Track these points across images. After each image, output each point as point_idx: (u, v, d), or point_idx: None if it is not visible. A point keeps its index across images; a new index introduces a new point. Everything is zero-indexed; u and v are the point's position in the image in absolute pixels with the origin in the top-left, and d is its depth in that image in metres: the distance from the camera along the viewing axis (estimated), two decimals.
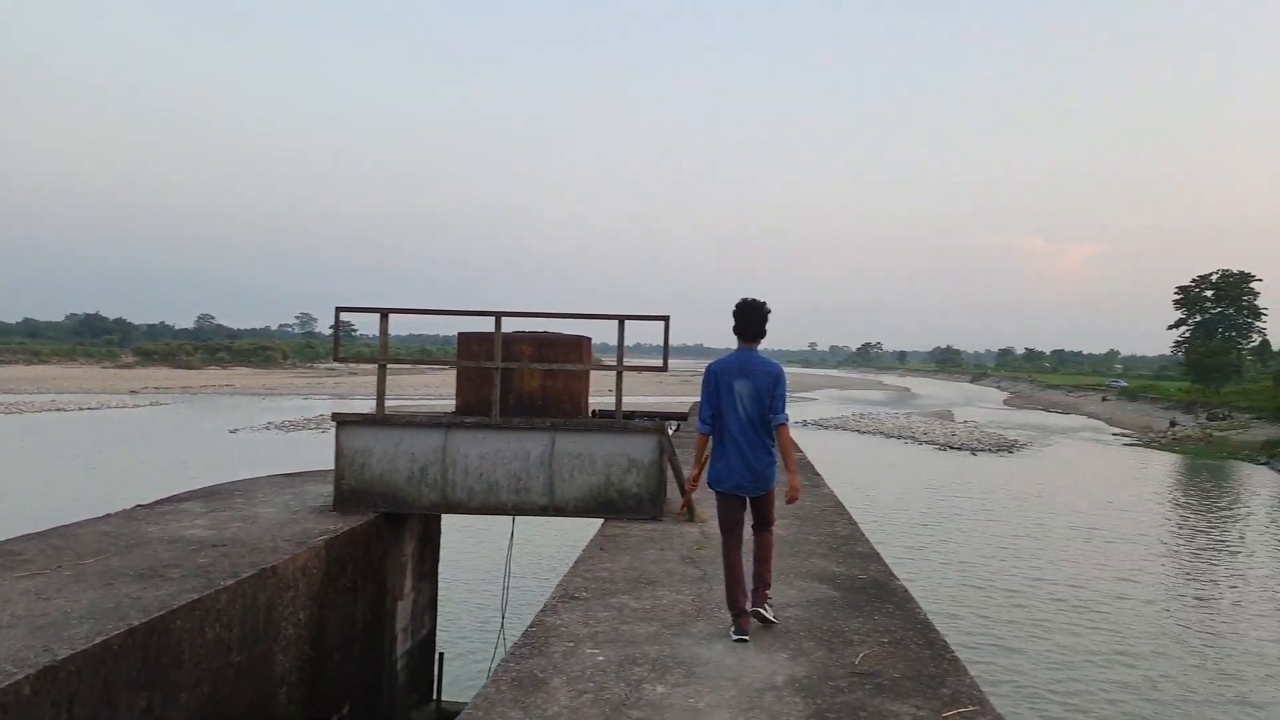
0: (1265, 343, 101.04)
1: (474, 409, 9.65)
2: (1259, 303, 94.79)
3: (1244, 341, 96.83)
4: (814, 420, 75.69)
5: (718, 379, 5.37)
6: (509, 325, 9.38)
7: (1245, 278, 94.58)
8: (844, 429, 70.21)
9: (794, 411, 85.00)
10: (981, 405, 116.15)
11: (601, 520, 8.83)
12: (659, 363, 9.02)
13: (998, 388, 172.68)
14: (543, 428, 9.09)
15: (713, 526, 7.99)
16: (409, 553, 9.91)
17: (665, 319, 8.74)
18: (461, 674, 12.84)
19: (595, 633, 5.15)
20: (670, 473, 9.30)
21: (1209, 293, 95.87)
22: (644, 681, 4.38)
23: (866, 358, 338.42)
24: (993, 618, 20.89)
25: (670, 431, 10.31)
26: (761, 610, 5.28)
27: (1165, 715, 15.58)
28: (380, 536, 9.05)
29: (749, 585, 5.35)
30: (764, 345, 5.56)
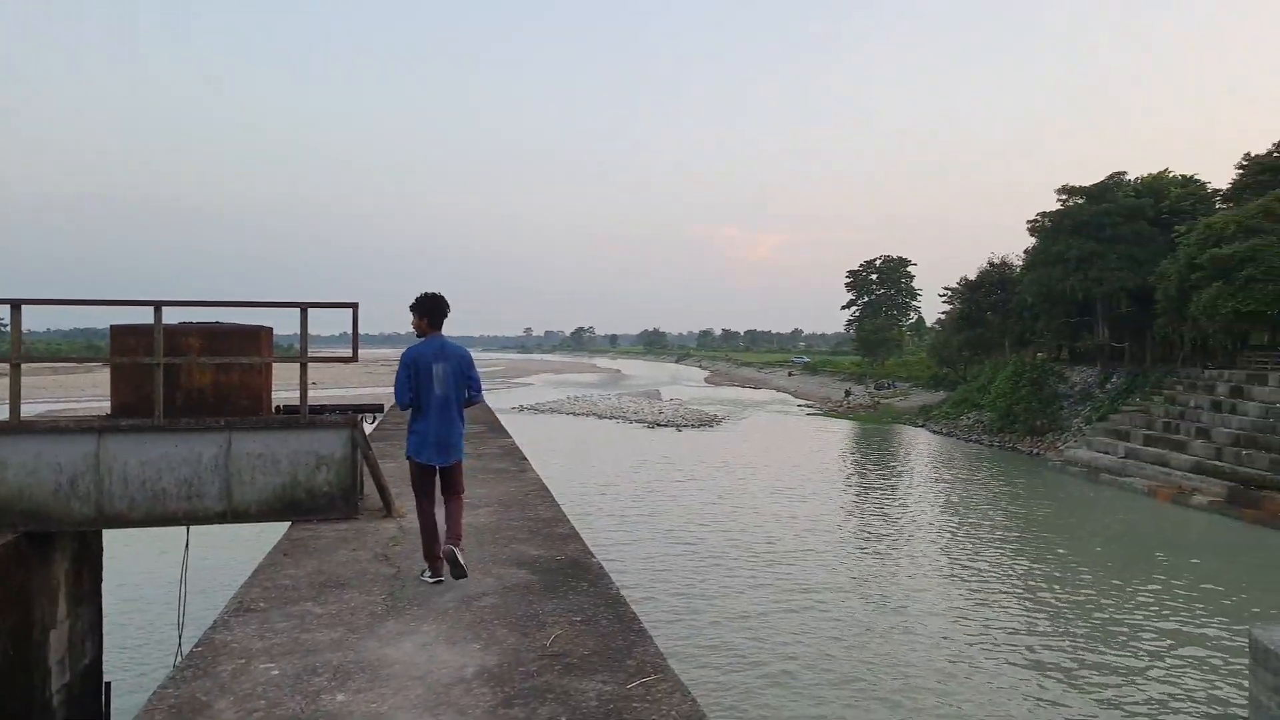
0: (921, 319, 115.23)
1: (135, 409, 8.61)
2: (915, 284, 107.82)
3: (903, 319, 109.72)
4: (530, 405, 76.30)
5: (417, 363, 5.99)
6: (182, 315, 8.45)
7: (903, 262, 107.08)
8: (559, 412, 71.38)
9: (511, 398, 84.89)
10: (686, 384, 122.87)
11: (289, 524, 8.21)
12: (348, 352, 8.50)
13: (700, 367, 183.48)
14: (216, 428, 8.27)
15: (411, 521, 7.68)
16: (61, 575, 8.70)
17: (353, 306, 8.25)
18: (136, 704, 11.52)
19: (271, 645, 4.73)
20: (366, 468, 8.82)
21: (874, 276, 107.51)
22: (323, 691, 4.06)
23: (580, 342, 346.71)
24: (694, 582, 22.12)
25: (369, 424, 9.79)
26: (455, 550, 5.80)
27: (843, 655, 17.26)
28: (21, 560, 7.85)
29: (443, 541, 5.96)
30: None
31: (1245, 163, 50.02)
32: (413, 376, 5.98)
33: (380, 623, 5.11)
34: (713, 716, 14.49)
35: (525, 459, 12.12)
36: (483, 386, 6.34)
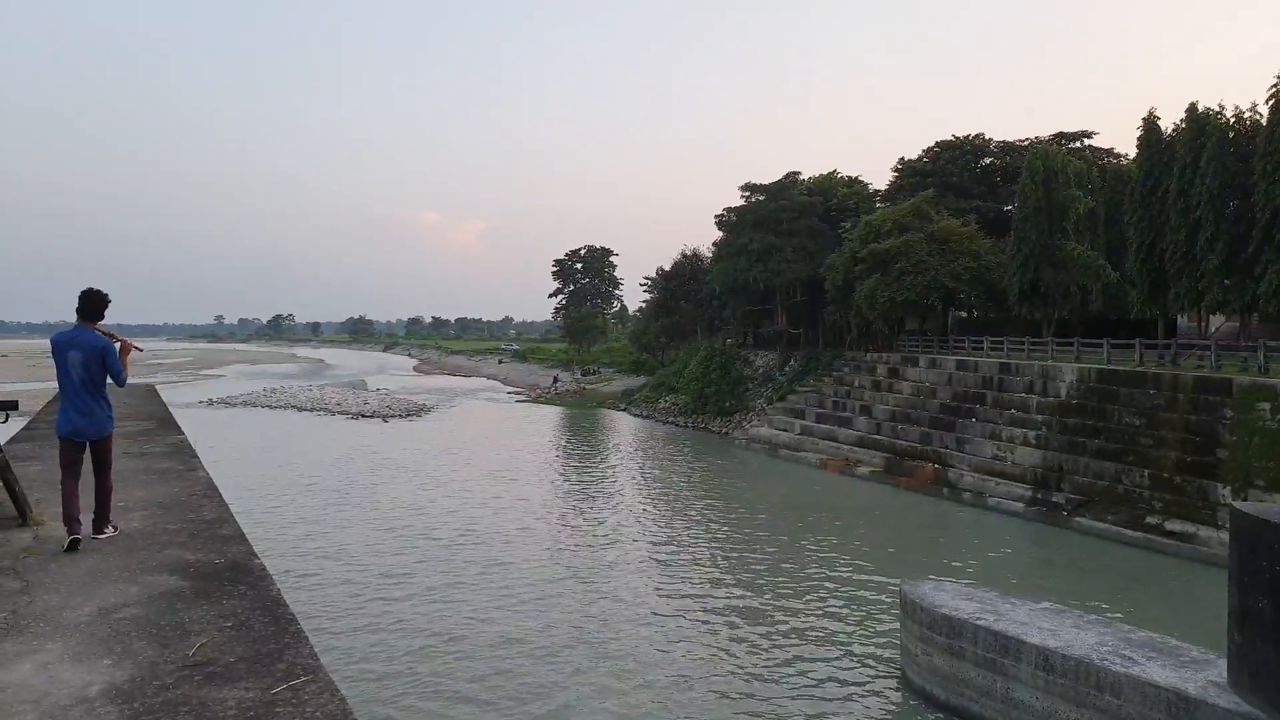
0: (624, 307, 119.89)
1: None
2: (617, 274, 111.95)
3: (607, 307, 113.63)
4: (220, 398, 70.72)
5: (55, 348, 6.59)
6: None
7: (607, 252, 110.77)
8: (254, 405, 66.83)
9: (198, 391, 78.35)
10: (394, 373, 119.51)
11: None
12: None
13: (408, 355, 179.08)
14: None
15: (49, 530, 7.06)
16: None
17: None
18: None
19: None
20: None
21: (579, 265, 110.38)
22: None
23: (279, 330, 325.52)
24: (391, 570, 21.79)
25: (0, 421, 8.74)
26: (105, 530, 6.59)
27: (542, 633, 17.76)
28: None
29: (90, 515, 6.54)
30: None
31: (900, 167, 56.95)
32: (56, 362, 6.60)
33: None
34: (378, 708, 14.43)
35: (196, 457, 11.34)
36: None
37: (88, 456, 6.84)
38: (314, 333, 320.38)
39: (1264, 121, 32.08)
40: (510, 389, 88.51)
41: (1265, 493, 22.59)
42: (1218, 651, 12.25)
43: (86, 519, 6.61)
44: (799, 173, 60.39)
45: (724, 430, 52.14)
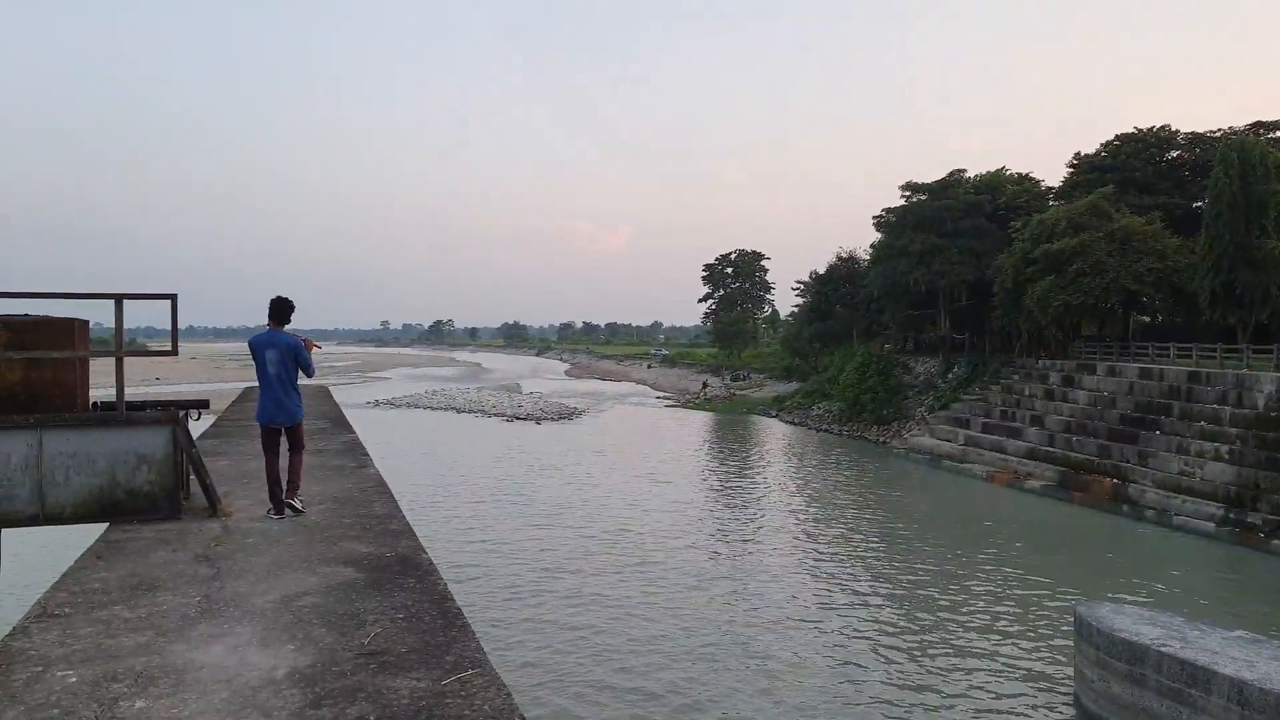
0: (775, 312, 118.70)
1: None
2: (769, 278, 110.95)
3: (758, 311, 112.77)
4: (385, 399, 74.46)
5: (253, 348, 7.61)
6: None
7: (758, 256, 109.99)
8: (417, 406, 69.96)
9: (366, 393, 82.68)
10: (546, 377, 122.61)
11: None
12: (168, 346, 8.11)
13: (560, 359, 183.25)
14: (25, 425, 7.75)
15: (237, 521, 7.51)
16: None
17: (172, 297, 7.88)
18: None
19: (72, 652, 4.49)
20: (191, 466, 8.45)
21: (729, 270, 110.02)
22: (121, 698, 3.90)
23: (439, 334, 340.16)
24: (548, 570, 22.19)
25: (193, 419, 9.35)
26: (293, 503, 7.61)
27: (689, 641, 17.66)
28: None
29: (284, 489, 7.63)
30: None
31: (1075, 162, 53.78)
32: (255, 359, 7.63)
33: (192, 625, 4.94)
34: (541, 707, 14.63)
35: (367, 455, 11.85)
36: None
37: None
38: (471, 337, 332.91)
39: None
40: (659, 394, 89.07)
41: None
42: None
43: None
44: (964, 170, 58.07)
45: (881, 439, 50.69)
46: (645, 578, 21.81)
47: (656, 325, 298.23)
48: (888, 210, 59.74)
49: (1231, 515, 27.05)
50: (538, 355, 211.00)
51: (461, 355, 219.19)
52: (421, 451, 44.27)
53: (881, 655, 17.08)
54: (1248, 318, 38.65)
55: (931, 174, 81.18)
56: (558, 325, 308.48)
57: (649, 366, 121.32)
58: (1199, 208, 45.49)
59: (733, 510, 31.31)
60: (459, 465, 39.60)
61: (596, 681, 15.35)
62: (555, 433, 54.39)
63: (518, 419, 61.78)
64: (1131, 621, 14.48)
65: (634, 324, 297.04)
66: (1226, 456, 28.91)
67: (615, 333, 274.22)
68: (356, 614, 5.10)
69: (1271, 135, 46.62)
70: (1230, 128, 48.06)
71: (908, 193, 58.07)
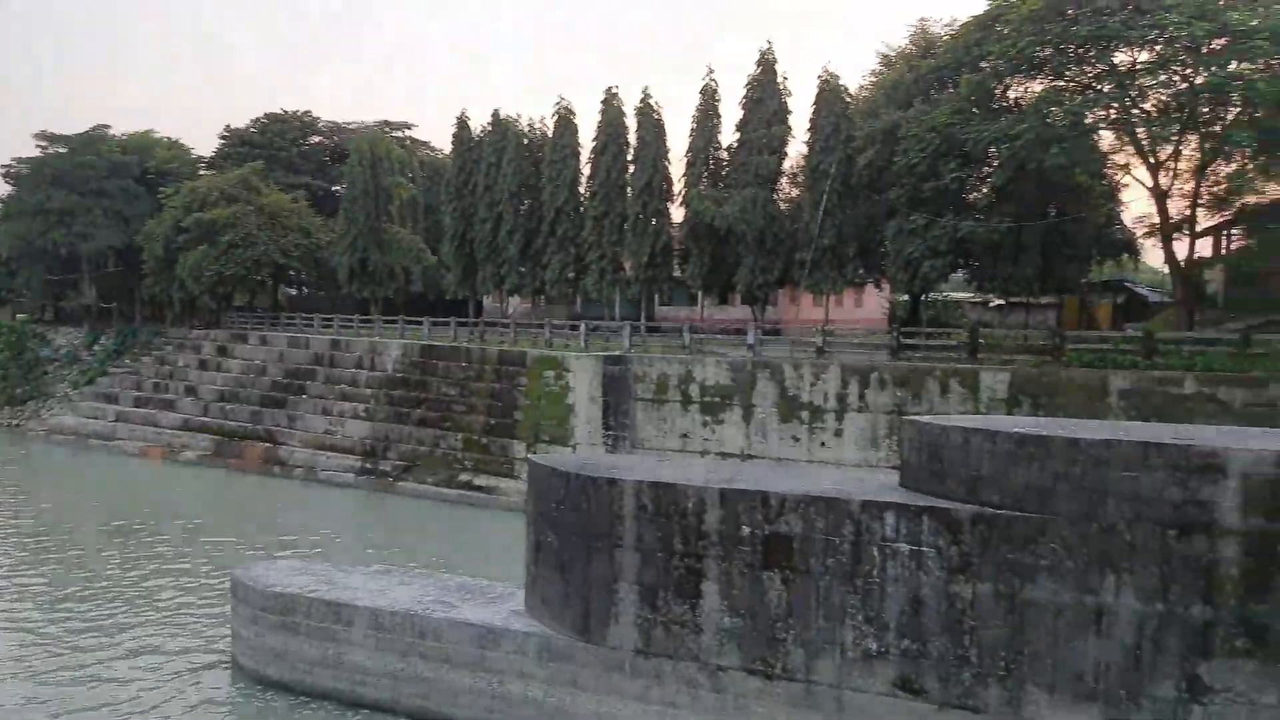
0: None
1: None
2: None
3: None
4: None
5: None
6: None
7: None
8: None
9: None
10: None
11: None
12: None
13: None
14: None
15: None
16: None
17: None
18: None
19: None
20: None
21: None
22: None
23: None
24: None
25: None
26: None
27: None
28: None
29: None
30: None
31: (227, 134, 54.08)
32: None
33: None
34: None
35: None
36: None
37: None
38: None
39: (549, 133, 38.14)
40: None
41: (550, 446, 26.94)
42: (518, 585, 14.35)
43: None
44: (109, 126, 53.46)
45: (15, 422, 44.33)
46: None
47: None
48: (19, 160, 52.07)
49: (368, 466, 30.90)
50: None
51: None
52: None
53: (24, 660, 15.31)
54: (379, 292, 44.31)
55: (74, 126, 72.97)
56: None
57: None
58: (338, 191, 50.19)
59: None
60: None
61: None
62: None
63: None
64: (284, 575, 15.52)
65: None
66: (363, 414, 32.84)
67: None
68: None
69: (396, 134, 53.93)
70: (363, 122, 54.09)
71: (44, 143, 51.41)
